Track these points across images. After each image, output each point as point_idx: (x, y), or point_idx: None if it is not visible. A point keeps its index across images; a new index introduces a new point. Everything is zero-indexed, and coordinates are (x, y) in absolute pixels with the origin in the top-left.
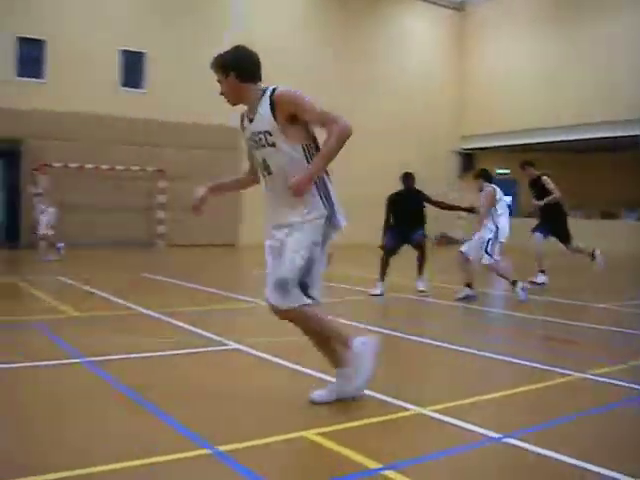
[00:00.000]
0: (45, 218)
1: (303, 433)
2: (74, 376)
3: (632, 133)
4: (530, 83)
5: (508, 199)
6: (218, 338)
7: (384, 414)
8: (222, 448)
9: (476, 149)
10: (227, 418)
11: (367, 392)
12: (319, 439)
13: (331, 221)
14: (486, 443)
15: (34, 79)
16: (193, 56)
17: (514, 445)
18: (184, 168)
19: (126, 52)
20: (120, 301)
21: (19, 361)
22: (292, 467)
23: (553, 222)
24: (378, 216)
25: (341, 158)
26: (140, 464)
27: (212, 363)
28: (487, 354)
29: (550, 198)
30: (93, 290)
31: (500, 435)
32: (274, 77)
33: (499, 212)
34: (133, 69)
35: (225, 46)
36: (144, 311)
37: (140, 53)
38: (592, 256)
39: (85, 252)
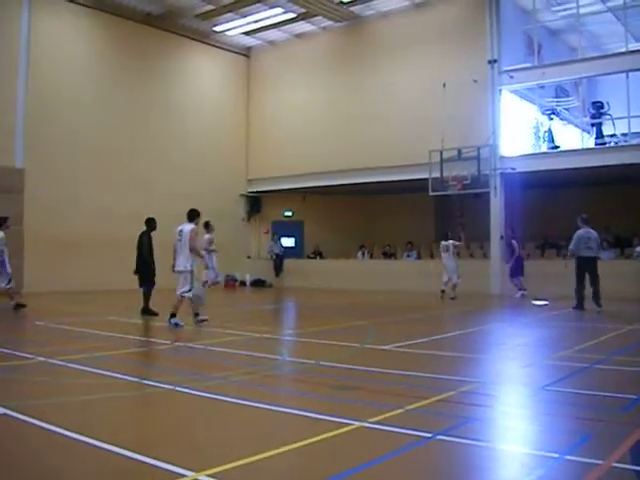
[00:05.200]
0: None
1: None
2: None
3: (420, 177)
4: (314, 128)
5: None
6: None
7: None
8: None
9: (262, 192)
10: None
11: (135, 455)
12: None
13: None
14: None
15: None
16: None
17: None
18: None
19: None
20: None
21: None
22: None
23: None
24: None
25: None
26: None
27: None
28: (264, 406)
29: None
30: None
31: None
32: (70, 125)
33: None
34: None
35: None
36: None
37: None
38: None
39: None
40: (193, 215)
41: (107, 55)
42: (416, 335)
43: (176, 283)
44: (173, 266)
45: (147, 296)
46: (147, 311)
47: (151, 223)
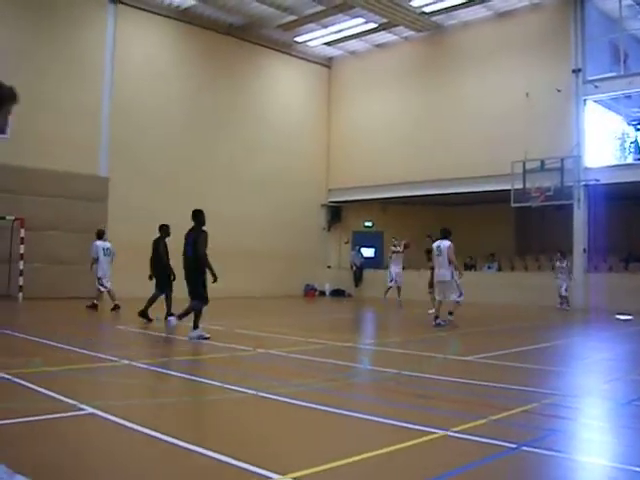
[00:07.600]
0: None
1: None
2: None
3: (501, 188)
4: (394, 138)
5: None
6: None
7: None
8: None
9: (342, 202)
10: None
11: (220, 457)
12: None
13: None
14: None
15: None
16: None
17: None
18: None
19: None
20: None
21: None
22: None
23: None
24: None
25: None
26: None
27: (61, 432)
28: (346, 412)
29: None
30: None
31: None
32: (152, 134)
33: None
34: None
35: None
36: None
37: None
38: None
39: None
40: (447, 233)
41: (189, 66)
42: (499, 347)
43: (437, 291)
44: (435, 275)
45: (168, 301)
46: (172, 315)
47: (165, 229)
